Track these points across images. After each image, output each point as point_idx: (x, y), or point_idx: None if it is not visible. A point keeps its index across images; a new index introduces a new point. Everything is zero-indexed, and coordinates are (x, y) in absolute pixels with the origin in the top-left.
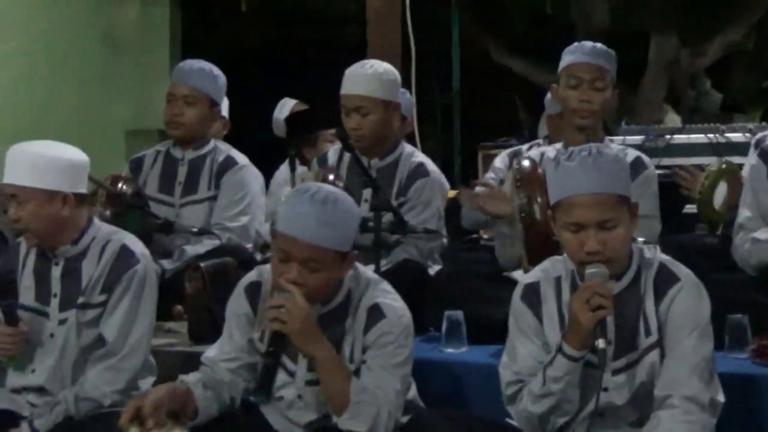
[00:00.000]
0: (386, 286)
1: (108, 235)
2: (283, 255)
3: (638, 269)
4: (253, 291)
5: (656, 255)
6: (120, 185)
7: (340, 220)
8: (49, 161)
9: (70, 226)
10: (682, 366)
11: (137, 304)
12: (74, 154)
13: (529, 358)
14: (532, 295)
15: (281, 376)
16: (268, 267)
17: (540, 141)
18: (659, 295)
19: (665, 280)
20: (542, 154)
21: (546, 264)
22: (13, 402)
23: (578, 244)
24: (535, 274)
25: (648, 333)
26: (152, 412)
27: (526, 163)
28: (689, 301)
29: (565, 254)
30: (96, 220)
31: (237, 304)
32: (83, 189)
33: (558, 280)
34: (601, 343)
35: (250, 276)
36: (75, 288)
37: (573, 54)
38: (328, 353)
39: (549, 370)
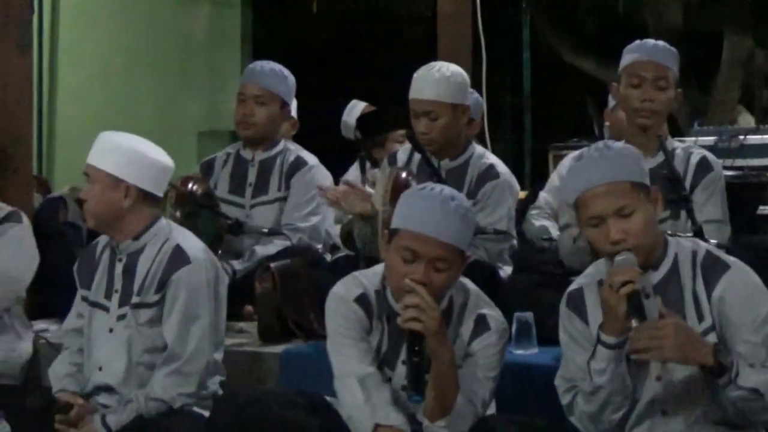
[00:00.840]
0: (485, 296)
1: (168, 234)
2: (410, 254)
3: (675, 257)
4: (365, 301)
5: (699, 243)
6: (190, 185)
7: (466, 218)
8: (124, 151)
9: (130, 219)
10: (756, 341)
11: (193, 307)
12: (156, 153)
13: (583, 364)
14: (577, 299)
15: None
16: (366, 273)
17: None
18: (710, 282)
19: (713, 267)
20: None
21: (590, 268)
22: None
23: (603, 236)
24: (578, 281)
25: (701, 318)
26: None
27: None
28: (747, 289)
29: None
30: (163, 220)
31: (354, 314)
32: (153, 189)
33: (600, 282)
34: (634, 323)
35: (351, 290)
36: (130, 284)
37: (634, 52)
38: (453, 357)
39: (593, 363)
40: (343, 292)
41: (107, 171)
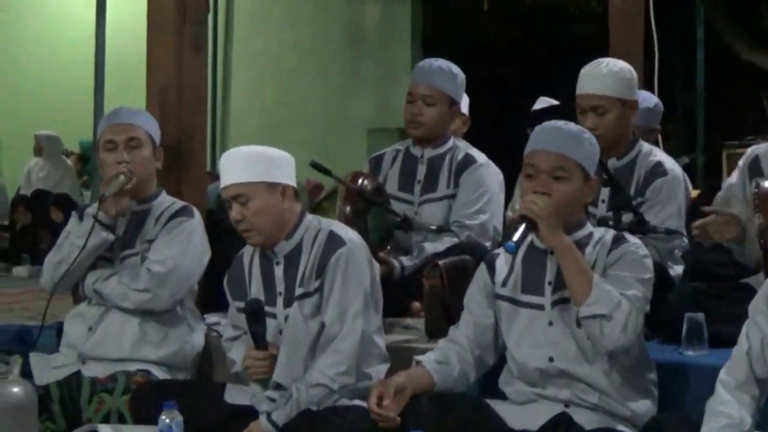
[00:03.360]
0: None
1: (318, 225)
2: (531, 169)
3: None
4: (491, 258)
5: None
6: (361, 181)
7: (582, 139)
8: (262, 156)
9: (288, 220)
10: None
11: (346, 286)
12: (280, 151)
13: None
14: None
15: (528, 313)
16: None
17: None
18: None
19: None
20: None
21: None
22: (253, 398)
23: None
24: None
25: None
26: (393, 396)
27: (766, 183)
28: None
29: None
30: (307, 215)
31: (476, 276)
32: (295, 185)
33: None
34: None
35: (494, 251)
36: (293, 282)
37: None
38: (570, 244)
39: None
40: None
41: (261, 180)
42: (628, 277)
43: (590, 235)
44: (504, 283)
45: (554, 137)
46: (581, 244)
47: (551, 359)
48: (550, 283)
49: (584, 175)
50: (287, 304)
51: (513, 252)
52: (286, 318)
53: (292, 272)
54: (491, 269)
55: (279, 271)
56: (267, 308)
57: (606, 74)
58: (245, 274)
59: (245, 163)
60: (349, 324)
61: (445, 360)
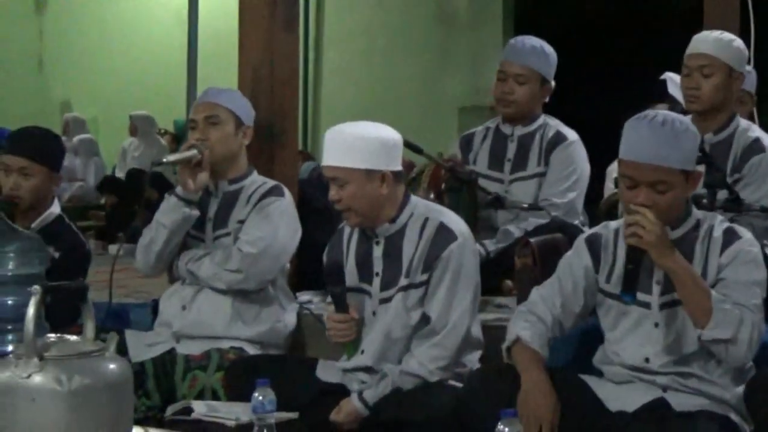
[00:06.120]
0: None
1: (425, 212)
2: (629, 181)
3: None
4: (593, 241)
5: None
6: (451, 160)
7: (679, 139)
8: (365, 141)
9: (389, 203)
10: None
11: (457, 282)
12: (388, 132)
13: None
14: None
15: (636, 313)
16: (612, 222)
17: None
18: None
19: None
20: None
21: None
22: (344, 377)
23: None
24: None
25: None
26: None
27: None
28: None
29: None
30: (413, 197)
31: (575, 253)
32: (399, 167)
33: None
34: None
35: (593, 229)
36: (396, 267)
37: None
38: (685, 265)
39: None
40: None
41: (359, 167)
42: (746, 283)
43: (697, 225)
44: (608, 279)
45: (649, 146)
46: (690, 240)
47: (647, 360)
48: (658, 283)
49: (686, 175)
50: (385, 286)
51: (633, 303)
52: (382, 300)
53: (393, 256)
54: (595, 257)
55: (378, 251)
56: (362, 285)
57: (719, 38)
58: (343, 249)
59: (347, 147)
60: (455, 320)
61: (542, 336)
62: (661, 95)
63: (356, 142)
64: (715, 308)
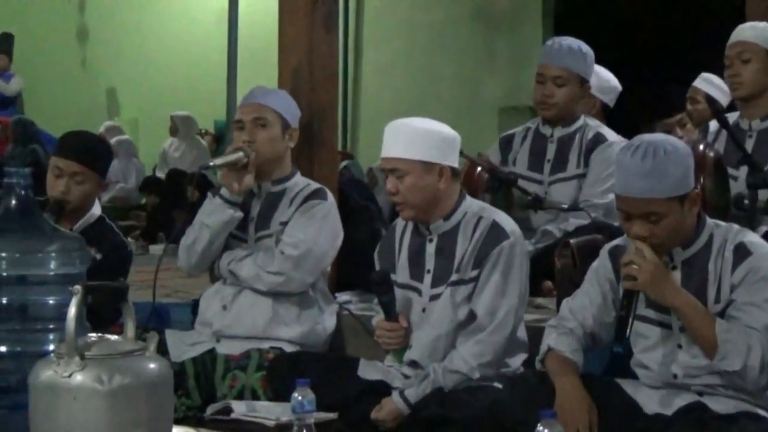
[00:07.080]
0: (742, 228)
1: (479, 211)
2: (623, 214)
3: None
4: (616, 253)
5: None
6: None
7: (666, 167)
8: (426, 135)
9: (444, 200)
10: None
11: (506, 280)
12: (447, 129)
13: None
14: None
15: (657, 334)
16: None
17: None
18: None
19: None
20: None
21: None
22: (386, 374)
23: None
24: None
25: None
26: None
27: None
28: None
29: None
30: (468, 197)
31: (600, 263)
32: (456, 163)
33: None
34: None
35: (616, 240)
36: (448, 264)
37: None
38: (685, 300)
39: None
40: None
41: (418, 159)
42: (758, 302)
43: (710, 242)
44: None
45: (634, 180)
46: (703, 259)
47: (675, 376)
48: None
49: (680, 200)
50: (436, 283)
51: (622, 354)
52: (432, 297)
53: (445, 253)
54: (617, 270)
55: (431, 248)
56: (412, 282)
57: (754, 25)
58: (395, 245)
59: (407, 139)
60: (501, 318)
61: (573, 343)
62: (677, 104)
63: (416, 135)
64: (720, 340)
